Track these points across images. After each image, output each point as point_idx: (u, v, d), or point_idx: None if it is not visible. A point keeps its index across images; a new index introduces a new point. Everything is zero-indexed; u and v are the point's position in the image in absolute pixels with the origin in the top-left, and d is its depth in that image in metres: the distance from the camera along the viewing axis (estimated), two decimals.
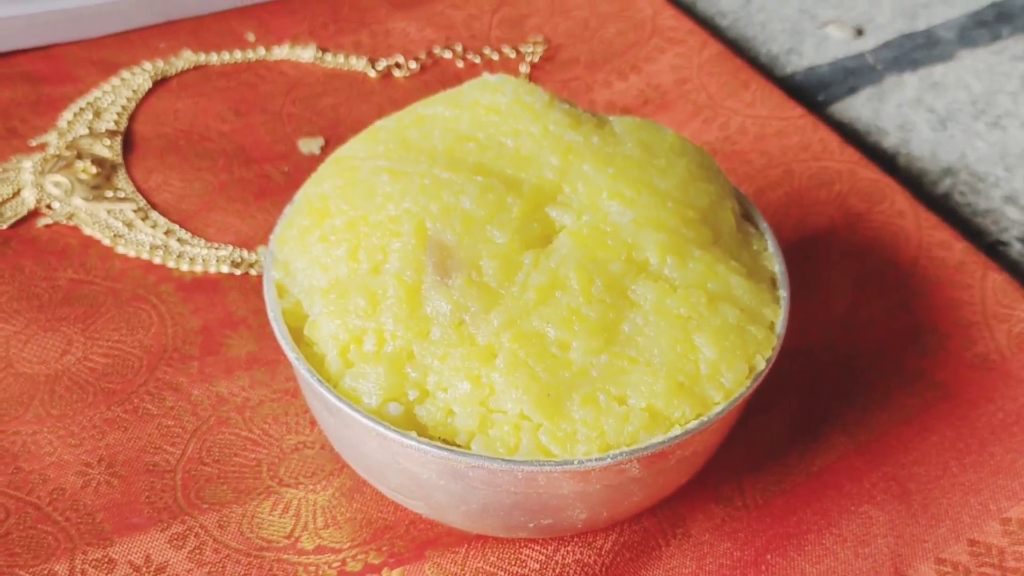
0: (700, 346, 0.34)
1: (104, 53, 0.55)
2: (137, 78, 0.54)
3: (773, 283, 0.37)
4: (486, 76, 0.40)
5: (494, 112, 0.38)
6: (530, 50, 0.56)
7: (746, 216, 0.39)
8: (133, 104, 0.53)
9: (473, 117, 0.38)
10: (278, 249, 0.37)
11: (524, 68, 0.55)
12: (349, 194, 0.36)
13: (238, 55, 0.56)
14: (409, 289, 0.34)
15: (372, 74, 0.55)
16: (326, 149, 0.51)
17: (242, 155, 0.51)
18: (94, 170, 0.49)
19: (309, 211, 0.37)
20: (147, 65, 0.55)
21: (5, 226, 0.47)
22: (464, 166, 0.36)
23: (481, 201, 0.35)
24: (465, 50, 0.56)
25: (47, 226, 0.47)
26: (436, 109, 0.39)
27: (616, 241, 0.35)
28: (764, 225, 0.39)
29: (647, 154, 0.38)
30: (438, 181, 0.36)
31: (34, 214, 0.48)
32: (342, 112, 0.53)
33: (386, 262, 0.35)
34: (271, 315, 0.35)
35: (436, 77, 0.55)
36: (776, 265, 0.37)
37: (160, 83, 0.54)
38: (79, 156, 0.49)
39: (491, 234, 0.35)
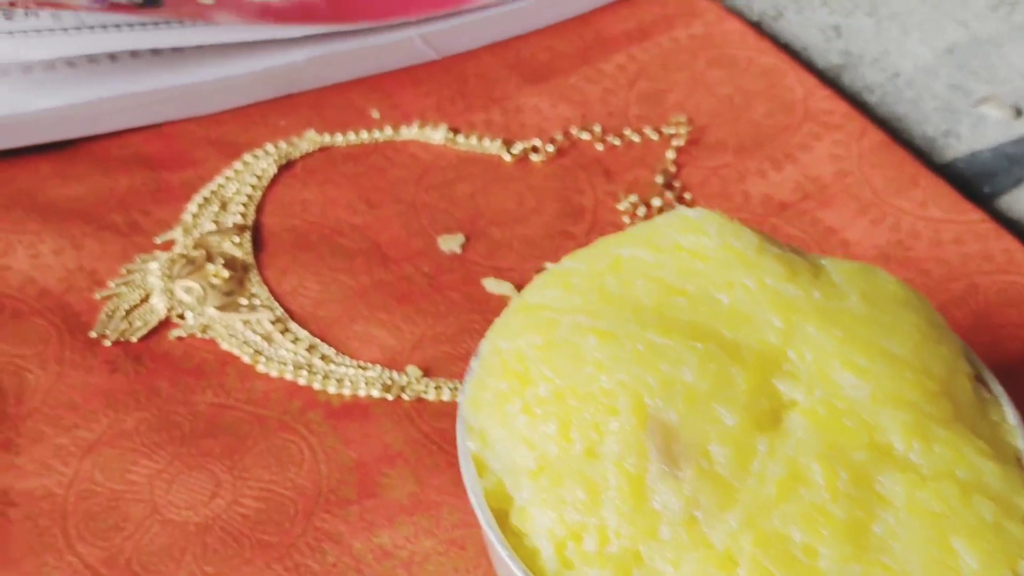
0: (959, 551, 0.30)
1: (222, 131, 0.52)
2: (261, 162, 0.51)
3: (1018, 462, 0.34)
4: (683, 211, 0.37)
5: (700, 258, 0.35)
6: (673, 131, 0.53)
7: (976, 376, 0.36)
8: (259, 193, 0.50)
9: (677, 264, 0.35)
10: (472, 415, 0.34)
11: (670, 154, 0.52)
12: (551, 357, 0.33)
13: (364, 135, 0.52)
14: (632, 479, 0.31)
15: (507, 158, 0.52)
16: (467, 247, 0.48)
17: (378, 253, 0.48)
18: (226, 274, 0.46)
19: (505, 372, 0.34)
20: (270, 147, 0.51)
21: (135, 338, 0.44)
22: (678, 328, 0.33)
23: (703, 372, 0.32)
24: (604, 131, 0.53)
25: (180, 339, 0.44)
26: (633, 251, 0.36)
27: (856, 422, 0.32)
28: (998, 389, 0.35)
29: (873, 309, 0.34)
30: (653, 347, 0.33)
31: (165, 324, 0.45)
32: (480, 202, 0.50)
33: (602, 444, 0.32)
34: (474, 500, 0.32)
35: (575, 161, 0.52)
36: (1019, 440, 0.34)
37: (285, 168, 0.51)
38: (209, 257, 0.46)
39: (718, 413, 0.32)
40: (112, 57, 0.50)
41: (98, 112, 0.50)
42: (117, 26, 0.50)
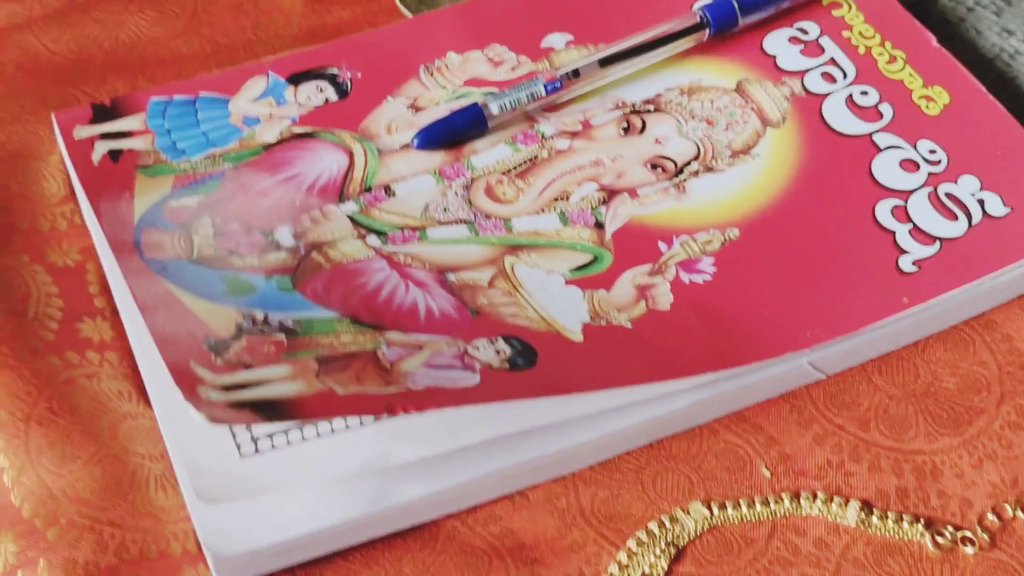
0: None
1: (593, 499, 0.44)
2: (647, 554, 0.43)
3: None
4: None
5: None
6: None
7: None
8: None
9: None
10: None
11: None
12: None
13: (758, 506, 0.44)
14: None
15: (931, 548, 0.44)
16: None
17: None
18: None
19: None
20: (653, 527, 0.43)
21: None
22: None
23: None
24: None
25: None
26: None
27: None
28: None
29: None
30: None
31: None
32: None
33: None
34: None
35: (1016, 555, 0.44)
36: None
37: (675, 559, 0.43)
38: None
39: None
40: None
41: (460, 493, 0.43)
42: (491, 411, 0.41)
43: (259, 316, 0.44)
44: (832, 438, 0.46)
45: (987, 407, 0.47)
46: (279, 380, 0.42)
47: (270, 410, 0.41)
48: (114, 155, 0.50)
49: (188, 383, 0.40)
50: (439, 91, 0.53)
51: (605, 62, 0.53)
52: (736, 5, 0.54)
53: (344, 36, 0.58)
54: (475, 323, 0.45)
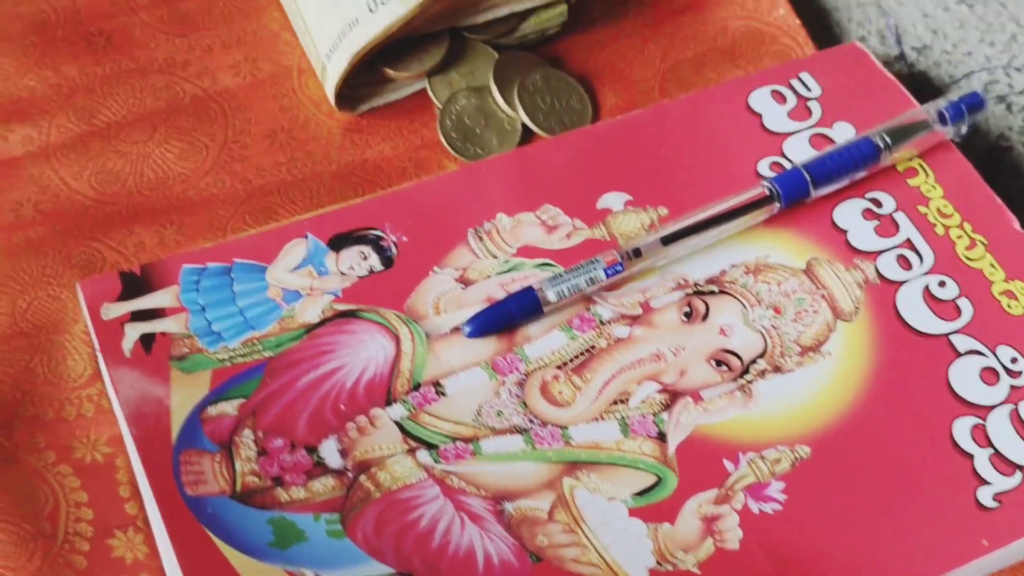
0: None
1: None
2: None
3: None
4: None
5: None
6: None
7: None
8: None
9: None
10: None
11: None
12: None
13: None
14: None
15: None
16: None
17: None
18: None
19: None
20: None
21: None
22: None
23: None
24: None
25: None
26: None
27: None
28: None
29: None
30: None
31: None
32: None
33: None
34: None
35: None
36: None
37: None
38: None
39: None
40: None
41: None
42: None
43: None
44: None
45: None
46: None
47: None
48: (146, 342, 0.46)
49: None
50: (489, 261, 0.50)
51: (668, 239, 0.50)
52: (808, 177, 0.51)
53: (385, 174, 0.54)
54: (536, 573, 0.42)
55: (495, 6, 0.56)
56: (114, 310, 0.47)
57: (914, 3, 0.62)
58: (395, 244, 0.50)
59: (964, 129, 0.53)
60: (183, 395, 0.45)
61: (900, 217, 0.52)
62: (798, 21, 0.59)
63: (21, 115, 0.54)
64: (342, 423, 0.45)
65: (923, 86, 0.60)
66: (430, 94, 0.56)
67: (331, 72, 0.54)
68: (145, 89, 0.56)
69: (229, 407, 0.45)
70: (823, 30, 0.62)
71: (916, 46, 0.61)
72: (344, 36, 0.53)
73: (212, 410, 0.45)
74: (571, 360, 0.48)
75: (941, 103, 0.53)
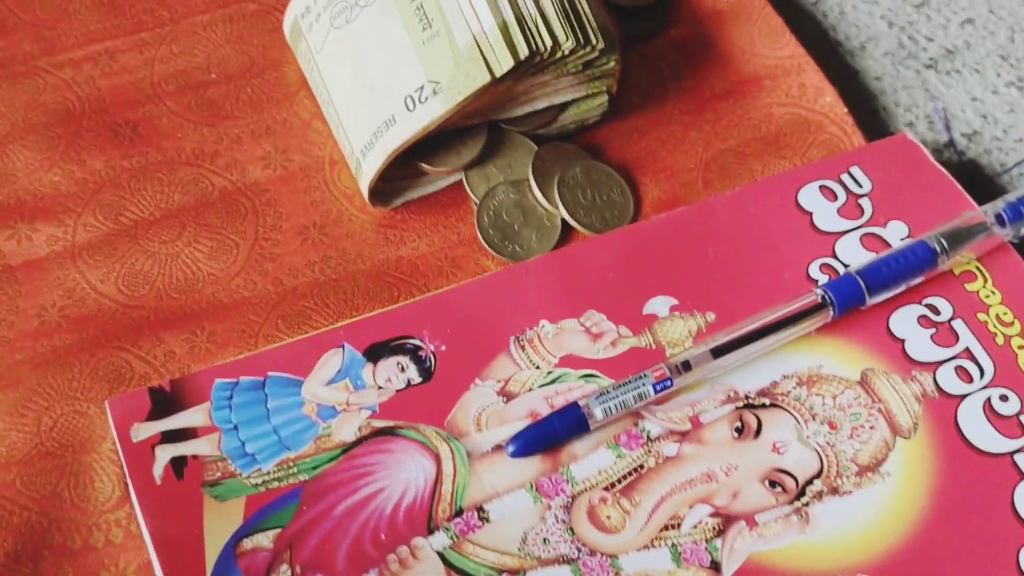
0: None
1: None
2: None
3: None
4: None
5: None
6: None
7: None
8: None
9: None
10: None
11: None
12: None
13: None
14: None
15: None
16: None
17: None
18: None
19: None
20: None
21: None
22: None
23: None
24: None
25: None
26: None
27: None
28: None
29: None
30: None
31: None
32: None
33: None
34: None
35: None
36: None
37: None
38: None
39: None
40: None
41: None
42: None
43: None
44: None
45: None
46: None
47: None
48: (177, 467, 0.45)
49: None
50: (531, 371, 0.48)
51: (718, 352, 0.48)
52: (863, 284, 0.49)
53: (421, 273, 0.53)
54: None
55: (534, 99, 0.54)
56: (144, 431, 0.46)
57: (961, 86, 0.61)
58: (433, 354, 0.48)
59: (1023, 231, 0.51)
60: (217, 526, 0.43)
61: (959, 325, 0.50)
62: (845, 109, 0.57)
63: (46, 213, 0.53)
64: (383, 555, 0.43)
65: (973, 175, 0.58)
66: (467, 188, 0.54)
67: (366, 170, 0.52)
68: (173, 183, 0.54)
69: (265, 539, 0.43)
70: (869, 113, 0.60)
71: (966, 132, 0.59)
72: (381, 135, 0.51)
73: (247, 543, 0.43)
74: (619, 481, 0.46)
75: (999, 204, 0.51)
